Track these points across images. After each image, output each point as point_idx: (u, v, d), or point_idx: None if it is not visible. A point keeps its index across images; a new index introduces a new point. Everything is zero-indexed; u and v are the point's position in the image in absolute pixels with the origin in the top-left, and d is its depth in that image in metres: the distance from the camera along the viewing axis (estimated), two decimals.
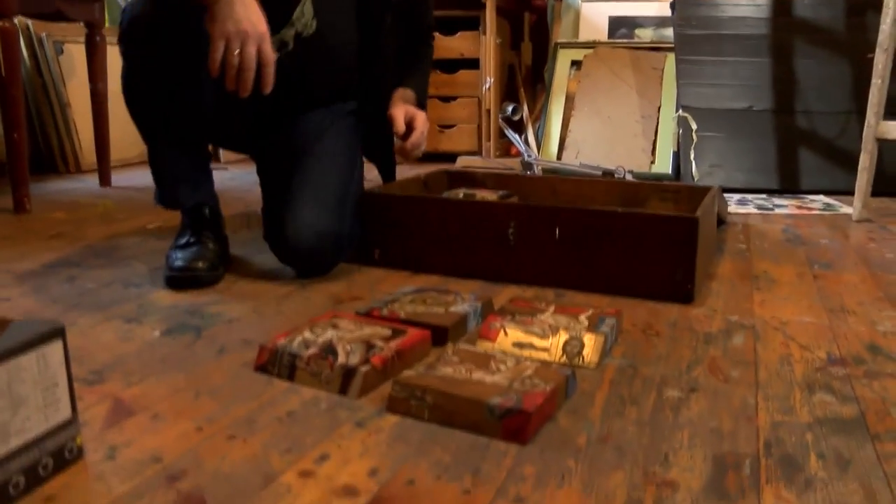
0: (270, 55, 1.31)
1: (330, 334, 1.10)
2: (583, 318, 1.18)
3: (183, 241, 1.57)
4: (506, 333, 1.13)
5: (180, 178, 1.56)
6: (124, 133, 3.74)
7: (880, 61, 2.33)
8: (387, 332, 1.11)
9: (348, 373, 0.99)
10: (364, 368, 0.99)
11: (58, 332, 0.78)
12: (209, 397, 0.99)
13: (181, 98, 1.45)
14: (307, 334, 1.11)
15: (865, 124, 2.36)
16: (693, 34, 3.09)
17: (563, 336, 1.11)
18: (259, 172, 1.73)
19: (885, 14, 2.31)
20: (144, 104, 1.47)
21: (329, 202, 1.51)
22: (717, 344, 1.19)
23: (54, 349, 0.77)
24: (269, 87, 1.32)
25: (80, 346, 1.18)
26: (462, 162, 3.44)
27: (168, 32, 1.38)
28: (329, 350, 1.04)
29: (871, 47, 3.02)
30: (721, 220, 2.09)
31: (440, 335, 1.15)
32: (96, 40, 2.86)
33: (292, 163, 1.57)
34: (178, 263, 1.51)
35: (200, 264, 1.51)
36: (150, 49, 1.38)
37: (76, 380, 1.04)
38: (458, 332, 1.19)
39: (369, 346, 1.06)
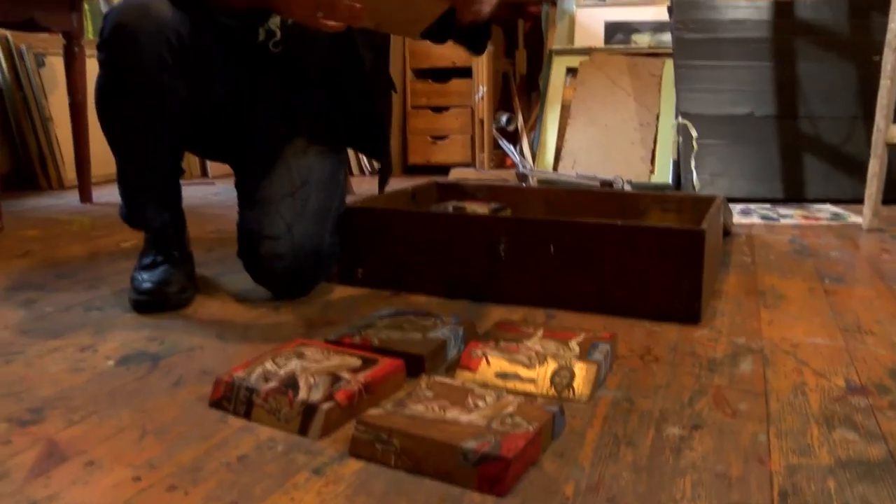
0: None
1: (293, 365, 1.00)
2: (574, 343, 1.07)
3: (148, 260, 1.46)
4: (488, 362, 1.02)
5: (149, 198, 1.45)
6: (107, 147, 3.64)
7: (889, 61, 2.23)
8: (356, 362, 1.00)
9: (308, 410, 0.88)
10: (326, 406, 0.88)
11: None
12: (155, 438, 0.88)
13: (160, 109, 1.34)
14: (268, 365, 1.00)
15: (874, 128, 2.26)
16: (691, 38, 2.99)
17: (551, 365, 1.00)
18: (237, 185, 1.63)
19: (893, 12, 2.21)
20: (119, 116, 1.36)
21: (308, 220, 1.41)
22: (723, 371, 1.08)
23: None
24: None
25: (23, 379, 1.07)
26: (455, 174, 3.34)
27: (153, 38, 1.27)
28: (290, 384, 0.93)
29: (877, 49, 2.92)
30: (726, 231, 1.99)
31: (416, 364, 1.04)
32: (75, 51, 2.76)
33: (271, 175, 1.47)
34: (146, 286, 1.40)
35: (169, 287, 1.41)
36: (133, 57, 1.27)
37: (10, 420, 0.94)
38: (437, 361, 1.08)
39: (335, 378, 0.95)
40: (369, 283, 1.51)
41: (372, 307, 1.40)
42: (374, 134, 1.63)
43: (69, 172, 3.26)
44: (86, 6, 3.02)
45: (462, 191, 1.87)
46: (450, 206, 1.66)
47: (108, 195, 3.01)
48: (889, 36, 2.22)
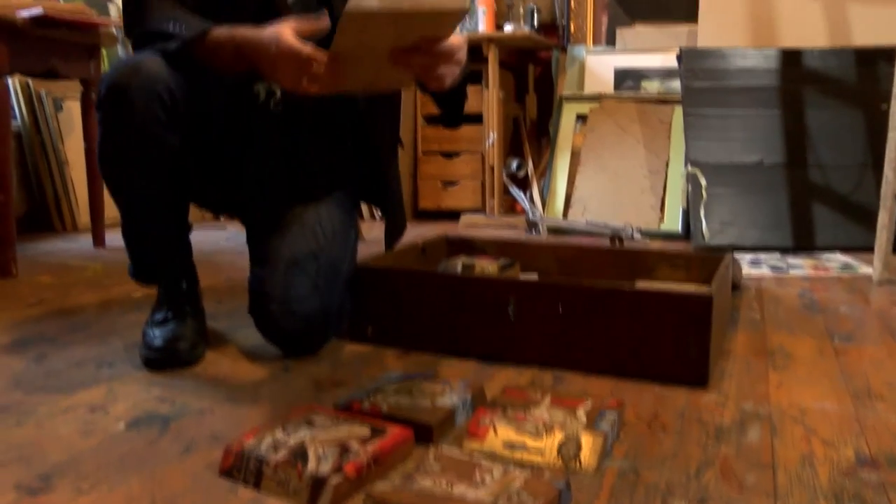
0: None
1: (303, 434, 1.00)
2: (581, 412, 1.08)
3: (160, 316, 1.48)
4: (496, 432, 1.02)
5: (156, 253, 1.47)
6: None
7: (895, 112, 2.24)
8: (365, 431, 1.01)
9: (317, 484, 0.88)
10: (335, 480, 0.88)
11: None
12: None
13: (157, 164, 1.37)
14: (278, 434, 1.01)
15: (883, 179, 2.27)
16: (700, 86, 3.01)
17: (558, 436, 1.00)
18: (248, 240, 1.65)
19: None
20: (118, 173, 1.39)
21: (319, 280, 1.42)
22: (730, 440, 1.08)
23: None
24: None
25: (33, 442, 1.08)
26: (466, 220, 3.36)
27: (146, 96, 1.30)
28: (299, 454, 0.94)
29: (884, 97, 2.94)
30: (735, 285, 1.99)
31: (424, 433, 1.05)
32: (92, 98, 2.80)
33: (281, 233, 1.48)
34: (157, 343, 1.42)
35: (180, 344, 1.42)
36: (126, 115, 1.31)
37: (19, 488, 0.94)
38: (445, 429, 1.08)
39: (344, 449, 0.96)
40: (379, 340, 1.52)
41: (381, 367, 1.40)
42: (381, 187, 1.65)
43: (83, 215, 3.31)
44: (103, 51, 3.07)
45: (471, 246, 1.89)
46: (459, 264, 1.67)
47: (121, 240, 3.03)
48: None
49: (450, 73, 1.24)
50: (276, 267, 1.42)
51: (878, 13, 3.17)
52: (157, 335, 1.43)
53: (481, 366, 1.41)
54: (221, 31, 1.30)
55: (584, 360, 1.35)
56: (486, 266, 1.66)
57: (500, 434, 1.02)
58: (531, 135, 3.80)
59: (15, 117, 3.30)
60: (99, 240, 2.90)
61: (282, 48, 1.16)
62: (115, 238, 3.04)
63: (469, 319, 1.43)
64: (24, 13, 2.22)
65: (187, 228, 1.53)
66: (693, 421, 1.15)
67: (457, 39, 1.21)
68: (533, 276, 1.78)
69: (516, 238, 2.00)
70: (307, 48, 1.15)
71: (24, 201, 3.36)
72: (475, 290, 1.42)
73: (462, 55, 1.24)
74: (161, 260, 1.48)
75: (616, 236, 2.00)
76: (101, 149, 1.37)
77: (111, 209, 3.17)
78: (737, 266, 2.00)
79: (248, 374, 1.38)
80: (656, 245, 2.88)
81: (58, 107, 3.39)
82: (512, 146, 3.75)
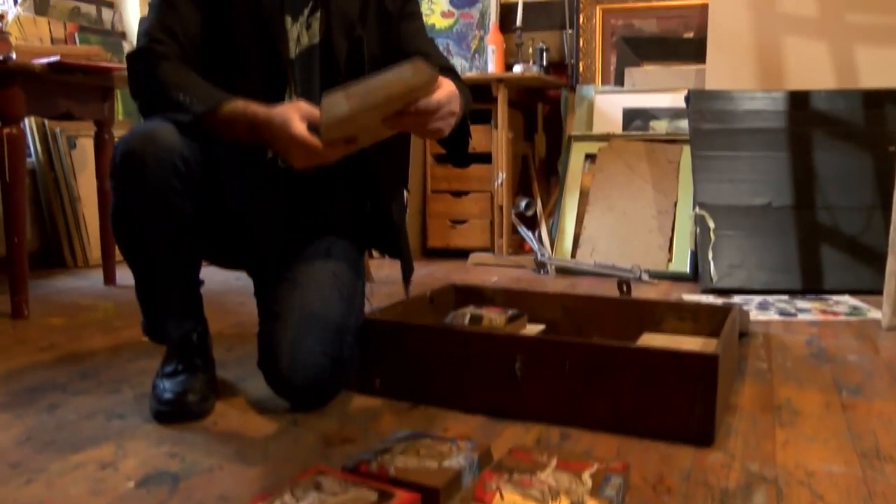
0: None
1: (311, 499, 1.01)
2: (586, 476, 1.08)
3: (170, 368, 1.49)
4: (501, 496, 1.03)
5: (169, 313, 1.49)
6: None
7: None
8: (373, 496, 1.02)
9: None
10: None
11: None
12: None
13: (171, 230, 1.39)
14: (287, 498, 1.01)
15: (892, 226, 2.27)
16: (708, 129, 3.03)
17: (563, 502, 1.01)
18: (256, 294, 1.66)
19: None
20: (132, 238, 1.41)
21: (328, 335, 1.44)
22: None
23: None
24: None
25: (43, 502, 1.09)
26: (474, 259, 3.38)
27: (160, 165, 1.33)
28: None
29: (892, 140, 2.96)
30: (742, 333, 1.99)
31: (431, 497, 1.05)
32: (105, 139, 2.85)
33: (290, 289, 1.50)
34: (167, 396, 1.43)
35: (190, 397, 1.43)
36: (141, 184, 1.33)
37: None
38: (452, 491, 1.09)
39: None
40: (387, 393, 1.53)
41: (389, 423, 1.41)
42: (390, 235, 1.66)
43: (95, 251, 3.34)
44: (117, 92, 3.12)
45: (480, 294, 1.90)
46: (467, 315, 1.68)
47: (131, 277, 3.06)
48: None
49: (444, 125, 1.27)
50: (285, 323, 1.43)
51: (885, 55, 3.19)
52: (168, 388, 1.44)
53: (489, 421, 1.42)
54: (234, 107, 1.34)
55: (590, 417, 1.36)
56: (495, 318, 1.67)
57: (507, 499, 1.03)
58: (540, 173, 3.82)
59: (29, 154, 3.34)
60: (110, 278, 2.93)
61: (294, 138, 1.24)
62: (125, 276, 3.06)
63: (476, 375, 1.44)
64: (42, 60, 2.26)
65: (198, 283, 1.55)
66: (698, 484, 1.15)
67: (443, 93, 1.23)
68: (540, 328, 1.79)
69: (524, 288, 2.01)
70: (315, 140, 1.23)
71: (37, 237, 3.40)
72: (482, 345, 1.43)
73: (452, 107, 1.27)
74: (173, 318, 1.50)
75: (624, 282, 2.00)
76: (116, 216, 1.40)
77: None
78: (744, 315, 2.00)
79: (258, 429, 1.39)
80: (664, 286, 2.89)
81: (71, 144, 3.43)
82: (521, 185, 3.77)
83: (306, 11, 1.53)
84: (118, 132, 3.01)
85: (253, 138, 1.34)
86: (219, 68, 1.45)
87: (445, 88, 1.25)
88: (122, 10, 4.05)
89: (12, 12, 3.14)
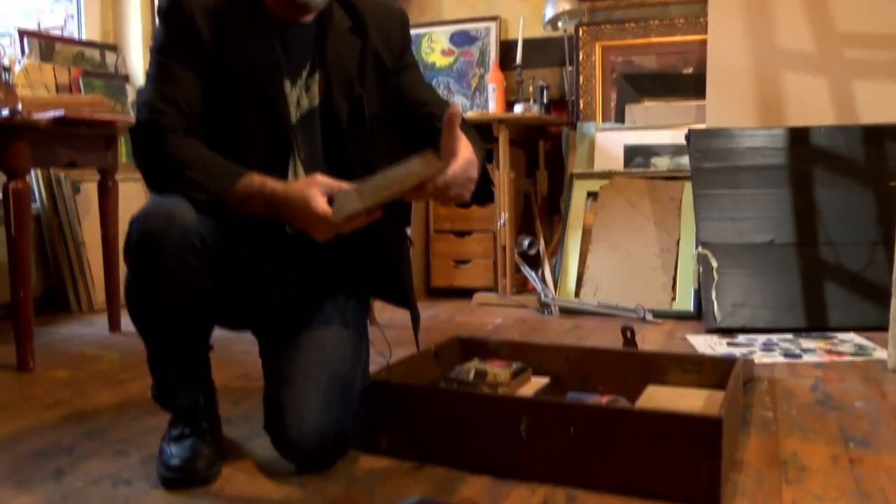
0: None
1: None
2: None
3: (177, 432, 1.49)
4: None
5: (180, 384, 1.50)
6: None
7: None
8: None
9: None
10: None
11: None
12: None
13: (188, 308, 1.40)
14: None
15: (894, 269, 2.27)
16: (709, 167, 3.05)
17: None
18: (261, 354, 1.67)
19: None
20: (148, 314, 1.42)
21: (334, 398, 1.44)
22: None
23: None
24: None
25: None
26: (478, 299, 3.38)
27: (179, 246, 1.33)
28: None
29: (893, 175, 2.97)
30: (746, 379, 1.99)
31: None
32: (108, 185, 2.87)
33: (295, 352, 1.51)
34: (175, 462, 1.43)
35: (198, 463, 1.43)
36: (160, 265, 1.33)
37: None
38: None
39: None
40: (393, 452, 1.53)
41: (396, 485, 1.41)
42: (395, 284, 1.67)
43: (99, 295, 3.34)
44: (120, 139, 3.15)
45: (484, 347, 1.90)
46: (472, 370, 1.68)
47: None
48: None
49: (465, 191, 1.29)
50: (291, 387, 1.44)
51: (884, 90, 3.21)
52: (175, 454, 1.44)
53: (495, 482, 1.42)
54: (250, 183, 1.35)
55: (596, 479, 1.35)
56: (499, 373, 1.67)
57: None
58: (542, 210, 3.83)
59: (34, 200, 3.37)
60: (115, 324, 2.93)
61: (316, 216, 1.29)
62: (130, 322, 3.07)
63: (481, 436, 1.44)
64: (47, 115, 2.29)
65: (208, 349, 1.55)
66: None
67: (458, 165, 1.27)
68: (545, 381, 1.80)
69: (527, 339, 2.02)
70: (337, 218, 1.26)
71: (42, 281, 3.41)
72: (487, 407, 1.44)
73: (470, 173, 1.29)
74: (184, 389, 1.50)
75: (627, 328, 2.01)
76: (131, 292, 1.40)
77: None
78: (748, 364, 2.00)
79: (265, 492, 1.39)
80: (669, 326, 2.89)
81: (76, 189, 3.46)
82: (523, 221, 3.79)
83: (304, 73, 1.54)
84: (122, 176, 3.05)
85: (271, 215, 1.36)
86: (221, 135, 1.47)
87: (462, 157, 1.27)
88: (126, 54, 4.09)
89: (19, 63, 3.17)
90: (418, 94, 1.62)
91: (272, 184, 1.35)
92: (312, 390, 1.44)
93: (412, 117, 1.61)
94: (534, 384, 1.78)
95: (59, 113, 2.28)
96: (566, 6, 3.45)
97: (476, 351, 1.90)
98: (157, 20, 1.51)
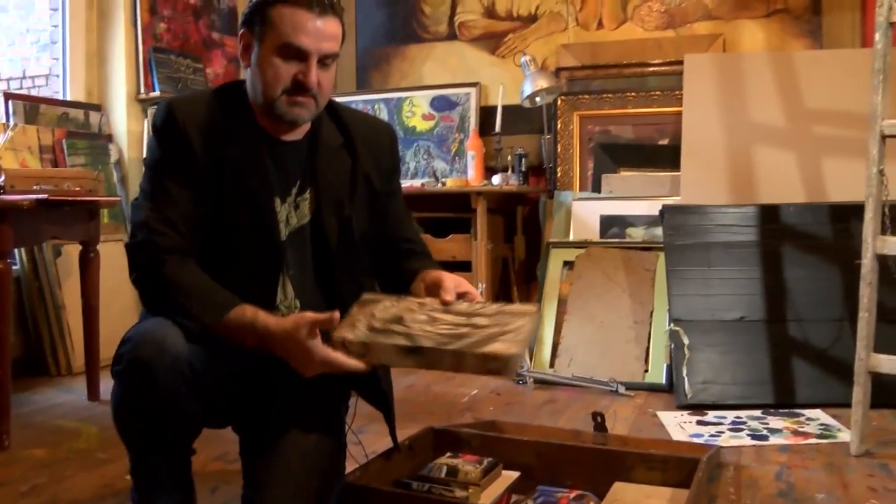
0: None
1: None
2: None
3: None
4: None
5: (162, 491, 1.51)
6: (116, 331, 3.70)
7: (865, 294, 2.33)
8: None
9: None
10: None
11: None
12: None
13: (175, 427, 1.43)
14: None
15: (856, 357, 2.34)
16: (682, 244, 3.12)
17: None
18: (241, 453, 1.70)
19: (865, 250, 2.33)
20: (135, 432, 1.45)
21: (311, 502, 1.48)
22: None
23: None
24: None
25: None
26: None
27: (169, 374, 1.37)
28: None
29: (858, 254, 3.04)
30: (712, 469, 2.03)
31: None
32: (90, 256, 2.89)
33: (273, 453, 1.54)
34: None
35: None
36: (149, 391, 1.37)
37: None
38: None
39: None
40: None
41: None
42: (376, 390, 1.71)
43: (78, 359, 3.34)
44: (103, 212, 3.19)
45: (457, 439, 1.94)
46: (444, 468, 1.72)
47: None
48: (864, 271, 2.33)
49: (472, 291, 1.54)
50: (270, 493, 1.47)
51: (850, 167, 3.31)
52: None
53: None
54: (241, 316, 1.41)
55: None
56: (470, 471, 1.72)
57: None
58: (520, 276, 3.90)
59: (15, 263, 3.38)
60: (94, 392, 2.94)
61: (311, 354, 1.38)
62: (108, 387, 3.06)
63: None
64: (30, 197, 2.33)
65: (190, 462, 1.57)
66: None
67: (450, 284, 1.52)
68: (515, 476, 1.84)
69: (498, 434, 2.06)
70: (335, 354, 1.38)
71: (21, 345, 3.42)
72: None
73: (461, 285, 1.54)
74: (164, 496, 1.52)
75: (598, 414, 2.06)
76: (119, 411, 1.43)
77: (108, 349, 3.23)
78: (713, 458, 2.03)
79: None
80: (641, 399, 2.93)
81: (56, 253, 3.47)
82: (501, 287, 3.84)
83: (294, 191, 1.59)
84: (103, 236, 3.06)
85: (261, 349, 1.42)
86: (212, 250, 1.51)
87: (448, 280, 1.50)
88: (110, 113, 4.13)
89: (6, 134, 3.20)
90: (402, 229, 1.74)
91: (264, 318, 1.40)
92: (291, 494, 1.48)
93: (392, 249, 1.71)
94: (504, 479, 1.82)
95: (42, 196, 2.32)
96: (544, 83, 3.54)
97: (449, 443, 1.94)
98: (150, 133, 1.57)
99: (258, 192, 1.54)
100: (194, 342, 1.41)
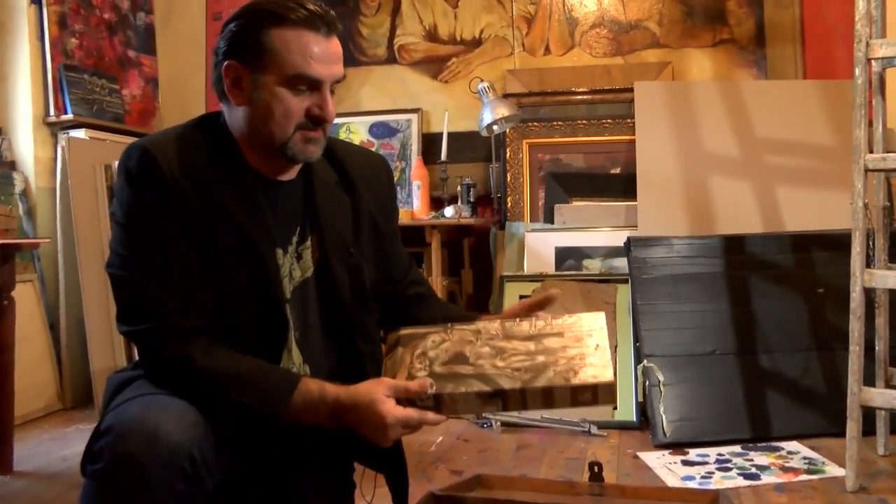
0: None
1: None
2: None
3: None
4: None
5: None
6: (30, 383, 3.30)
7: (855, 328, 2.27)
8: None
9: None
10: None
11: None
12: None
13: None
14: None
15: (848, 391, 2.27)
16: (649, 277, 3.03)
17: None
18: None
19: (854, 284, 2.27)
20: None
21: None
22: None
23: None
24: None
25: None
26: None
27: (165, 471, 1.11)
28: None
29: (820, 282, 3.02)
30: None
31: None
32: (4, 305, 2.53)
33: None
34: None
35: None
36: (141, 494, 1.10)
37: None
38: None
39: None
40: None
41: None
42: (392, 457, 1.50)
43: None
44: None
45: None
46: None
47: (31, 456, 2.75)
48: (853, 304, 2.27)
49: None
50: None
51: (805, 197, 3.31)
52: None
53: None
54: (308, 392, 1.22)
55: None
56: None
57: None
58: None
59: None
60: (6, 465, 2.56)
61: (394, 419, 1.18)
62: (25, 452, 2.72)
63: None
64: None
65: None
66: None
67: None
68: None
69: (506, 495, 1.87)
70: (421, 416, 1.20)
71: None
72: None
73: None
74: None
75: (596, 464, 1.91)
76: None
77: (21, 405, 2.87)
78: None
79: None
80: (615, 438, 2.80)
81: None
82: None
83: (294, 240, 1.38)
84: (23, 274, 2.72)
85: (332, 424, 1.23)
86: (216, 307, 1.28)
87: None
88: (13, 138, 3.74)
89: None
90: (408, 271, 1.58)
91: (332, 389, 1.21)
92: None
93: (401, 294, 1.55)
94: None
95: None
96: (505, 112, 3.39)
97: None
98: (120, 182, 1.28)
99: (259, 243, 1.31)
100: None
